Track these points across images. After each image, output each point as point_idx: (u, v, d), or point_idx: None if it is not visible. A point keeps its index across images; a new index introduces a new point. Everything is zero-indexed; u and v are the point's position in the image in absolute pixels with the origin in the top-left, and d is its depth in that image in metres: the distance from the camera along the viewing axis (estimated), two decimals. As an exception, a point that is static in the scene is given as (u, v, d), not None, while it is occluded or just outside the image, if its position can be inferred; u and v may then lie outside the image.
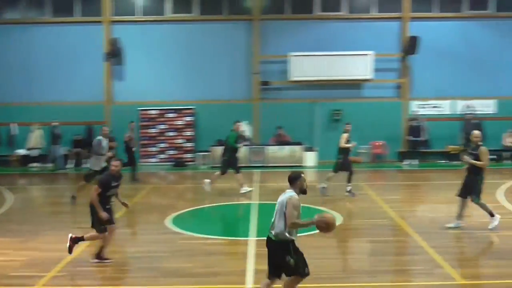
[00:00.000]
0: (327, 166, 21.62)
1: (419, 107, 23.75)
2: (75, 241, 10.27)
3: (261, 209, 14.76)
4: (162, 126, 23.86)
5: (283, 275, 7.83)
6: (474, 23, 23.82)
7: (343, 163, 16.40)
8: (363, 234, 12.49)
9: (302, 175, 7.77)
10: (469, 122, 22.99)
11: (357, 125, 22.62)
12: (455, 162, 22.85)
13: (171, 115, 23.78)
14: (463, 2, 23.80)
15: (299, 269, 7.63)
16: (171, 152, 23.98)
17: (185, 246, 11.20)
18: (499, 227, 12.63)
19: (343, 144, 16.32)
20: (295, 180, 7.69)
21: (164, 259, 10.47)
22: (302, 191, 7.73)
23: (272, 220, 7.74)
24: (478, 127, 22.84)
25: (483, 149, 12.17)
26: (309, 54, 22.98)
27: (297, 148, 22.56)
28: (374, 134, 23.21)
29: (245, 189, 16.96)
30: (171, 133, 23.94)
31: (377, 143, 23.53)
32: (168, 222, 13.31)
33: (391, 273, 9.96)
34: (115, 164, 10.14)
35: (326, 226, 7.48)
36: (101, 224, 10.04)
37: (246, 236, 12.12)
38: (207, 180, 16.99)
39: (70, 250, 10.24)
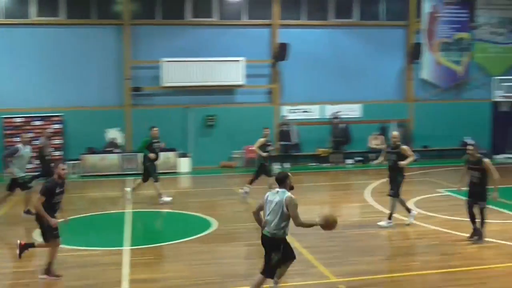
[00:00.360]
0: (202, 172, 21.70)
1: (290, 112, 24.31)
2: (24, 247, 10.07)
3: (135, 217, 14.44)
4: (29, 135, 22.65)
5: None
6: (340, 31, 24.78)
7: (261, 167, 16.60)
8: (238, 238, 12.56)
9: (289, 174, 8.42)
10: (337, 126, 23.89)
11: (230, 130, 22.95)
12: (325, 165, 23.65)
13: (37, 122, 22.70)
14: (330, 11, 24.71)
15: (276, 267, 8.27)
16: (39, 161, 22.83)
17: (58, 259, 10.71)
18: (368, 225, 13.23)
19: (256, 147, 16.53)
20: (285, 179, 8.25)
21: (37, 273, 9.95)
22: (291, 188, 8.28)
23: (267, 217, 8.14)
24: (345, 130, 23.87)
25: (405, 146, 13.23)
26: (182, 60, 22.83)
27: (170, 154, 22.33)
28: (248, 139, 23.36)
29: (164, 199, 16.21)
30: (38, 142, 22.81)
31: (250, 148, 23.77)
32: (37, 235, 12.67)
33: (267, 275, 10.08)
34: (62, 168, 9.74)
35: (328, 225, 8.18)
36: (54, 230, 9.74)
37: (121, 245, 11.81)
38: (128, 189, 16.57)
39: (19, 255, 10.13)
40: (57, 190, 9.74)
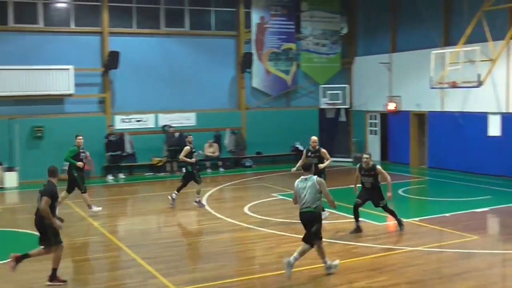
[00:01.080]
0: (31, 186, 20.45)
1: (123, 121, 23.78)
2: (19, 260, 9.68)
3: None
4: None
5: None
6: (172, 40, 24.73)
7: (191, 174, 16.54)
8: (74, 253, 11.96)
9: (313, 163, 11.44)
10: (172, 134, 23.77)
11: (60, 141, 21.78)
12: (161, 174, 23.40)
13: None
14: (161, 20, 24.58)
15: (319, 235, 10.06)
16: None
17: None
18: (206, 232, 13.25)
19: (181, 156, 16.46)
20: (310, 167, 10.43)
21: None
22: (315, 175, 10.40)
23: (305, 199, 10.01)
24: (180, 139, 23.79)
25: (324, 150, 14.72)
26: (5, 68, 21.46)
27: (-5, 168, 20.86)
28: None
29: (95, 209, 15.57)
30: None
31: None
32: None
33: (105, 289, 9.71)
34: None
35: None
36: (57, 236, 9.57)
37: None
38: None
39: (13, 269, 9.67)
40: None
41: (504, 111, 20.67)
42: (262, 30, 26.23)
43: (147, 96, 24.06)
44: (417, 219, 14.37)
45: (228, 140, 25.44)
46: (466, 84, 19.00)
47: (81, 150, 15.61)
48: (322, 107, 26.93)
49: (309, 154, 14.60)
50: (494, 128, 20.91)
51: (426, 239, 12.50)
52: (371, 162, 13.02)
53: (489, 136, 20.80)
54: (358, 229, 13.08)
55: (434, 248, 11.83)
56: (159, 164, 23.81)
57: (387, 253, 11.40)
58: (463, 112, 22.16)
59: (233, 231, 13.57)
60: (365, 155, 13.17)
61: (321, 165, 14.31)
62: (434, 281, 9.75)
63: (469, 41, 19.94)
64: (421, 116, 24.44)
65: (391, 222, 13.73)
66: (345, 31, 28.50)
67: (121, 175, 23.05)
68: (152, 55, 24.26)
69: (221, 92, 25.74)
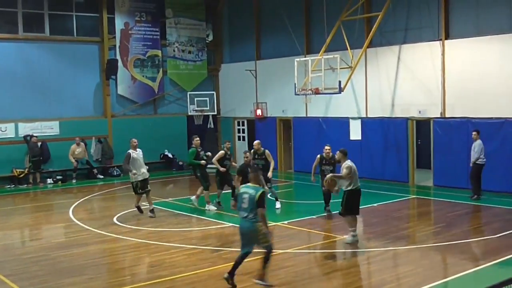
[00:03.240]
0: None
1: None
2: None
3: None
4: None
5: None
6: (31, 45, 23.63)
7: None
8: None
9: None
10: (34, 144, 22.72)
11: None
12: (23, 186, 22.30)
13: None
14: (19, 24, 23.42)
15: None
16: None
17: None
18: (74, 245, 12.81)
19: (215, 160, 16.37)
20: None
21: None
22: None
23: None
24: (43, 148, 22.84)
25: (267, 151, 16.22)
26: None
27: None
28: None
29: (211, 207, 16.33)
30: None
31: None
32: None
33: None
34: None
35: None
36: None
37: None
38: None
39: None
40: None
41: (364, 116, 21.78)
42: (127, 37, 25.82)
43: (5, 104, 22.84)
44: (286, 222, 14.76)
45: (94, 149, 24.74)
46: (328, 90, 19.77)
47: (199, 150, 16.56)
48: (190, 114, 26.92)
49: (255, 157, 16.14)
50: (355, 132, 21.96)
51: (295, 241, 12.85)
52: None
53: (351, 140, 21.78)
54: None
55: (304, 249, 12.20)
56: (21, 176, 22.67)
57: (258, 256, 11.57)
58: (326, 117, 23.09)
59: (102, 242, 13.22)
60: (326, 146, 15.49)
61: (270, 174, 15.94)
62: (304, 282, 10.04)
63: (330, 49, 20.80)
64: (286, 122, 25.16)
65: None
66: (210, 38, 28.73)
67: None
68: (10, 61, 23.10)
69: (85, 100, 25.00)
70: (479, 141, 17.26)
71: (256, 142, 16.54)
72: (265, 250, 9.45)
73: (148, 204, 15.86)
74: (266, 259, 9.44)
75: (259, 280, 9.48)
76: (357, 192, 12.64)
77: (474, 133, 17.43)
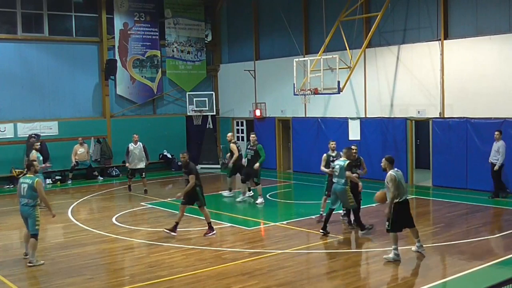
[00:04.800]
0: None
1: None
2: None
3: None
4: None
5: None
6: (30, 46, 23.63)
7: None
8: None
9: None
10: (32, 144, 22.65)
11: None
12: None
13: None
14: (18, 24, 23.42)
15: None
16: None
17: None
18: (73, 245, 12.79)
19: (322, 167, 14.67)
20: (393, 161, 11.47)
21: None
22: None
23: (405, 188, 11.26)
24: (42, 148, 22.78)
25: (260, 145, 17.38)
26: None
27: None
28: None
29: (259, 201, 17.37)
30: None
31: None
32: None
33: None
34: None
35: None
36: None
37: None
38: None
39: None
40: None
41: (363, 116, 21.78)
42: (126, 37, 25.82)
43: (4, 105, 22.84)
44: (284, 222, 14.76)
45: (93, 149, 24.72)
46: (327, 90, 19.78)
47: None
48: (189, 114, 26.92)
49: (249, 148, 17.57)
50: (354, 132, 21.96)
51: (294, 241, 12.85)
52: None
53: (350, 140, 21.76)
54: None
55: (302, 249, 12.20)
56: (20, 176, 22.56)
57: (257, 257, 11.59)
58: (325, 117, 23.10)
59: (101, 242, 13.22)
60: (353, 146, 14.58)
61: (260, 162, 17.19)
62: (303, 282, 10.04)
63: (329, 49, 20.81)
64: (285, 122, 25.15)
65: (260, 226, 13.97)
66: (209, 38, 28.73)
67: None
68: (9, 61, 23.10)
69: (84, 100, 25.00)
70: (502, 142, 16.73)
71: (252, 135, 17.98)
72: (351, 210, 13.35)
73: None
74: (356, 215, 13.15)
75: (362, 231, 13.00)
76: (406, 204, 11.18)
77: (496, 133, 16.86)
